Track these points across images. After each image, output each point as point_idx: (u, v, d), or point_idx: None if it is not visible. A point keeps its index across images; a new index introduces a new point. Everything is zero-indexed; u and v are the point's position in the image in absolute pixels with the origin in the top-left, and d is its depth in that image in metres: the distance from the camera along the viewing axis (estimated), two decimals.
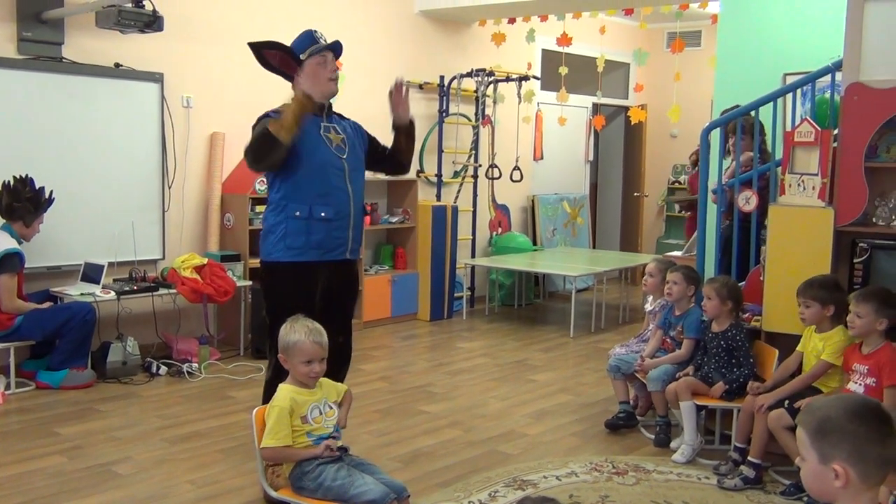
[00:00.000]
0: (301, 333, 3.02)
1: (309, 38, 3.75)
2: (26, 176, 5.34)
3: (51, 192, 5.41)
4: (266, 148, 3.53)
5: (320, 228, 3.70)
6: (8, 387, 5.18)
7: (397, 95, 4.03)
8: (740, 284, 4.64)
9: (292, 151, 3.62)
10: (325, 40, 3.78)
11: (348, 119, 4.00)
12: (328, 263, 3.76)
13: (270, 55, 3.71)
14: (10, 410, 4.90)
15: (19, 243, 5.22)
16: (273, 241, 3.72)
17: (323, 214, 3.69)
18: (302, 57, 3.70)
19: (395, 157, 4.14)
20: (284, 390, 3.02)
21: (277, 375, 3.56)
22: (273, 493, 3.07)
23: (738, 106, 4.91)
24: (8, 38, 5.46)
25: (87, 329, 5.33)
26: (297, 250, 3.69)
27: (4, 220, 5.26)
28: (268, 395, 3.63)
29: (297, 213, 3.67)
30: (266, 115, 3.69)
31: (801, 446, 1.77)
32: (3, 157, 5.42)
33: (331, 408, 3.08)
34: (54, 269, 5.72)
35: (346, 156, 3.78)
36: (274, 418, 2.95)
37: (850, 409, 1.73)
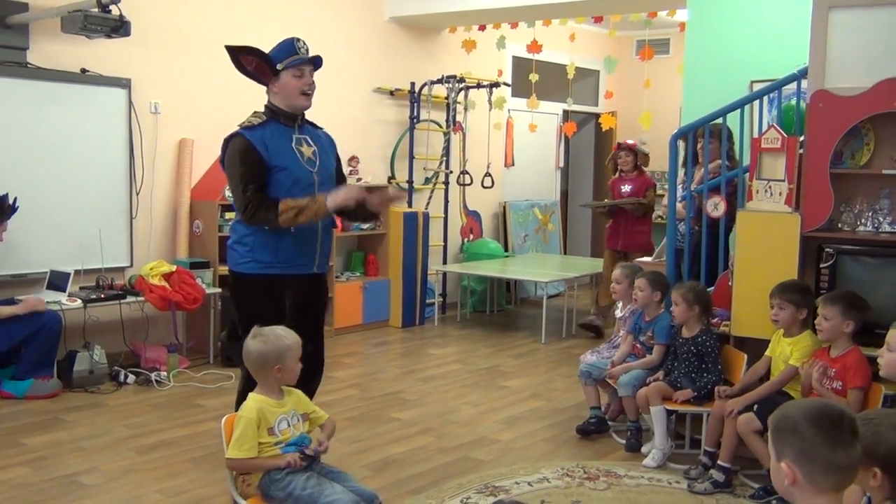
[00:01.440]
0: (290, 336, 3.04)
1: (289, 48, 3.69)
2: None
3: (14, 199, 5.33)
4: (268, 227, 3.61)
5: (287, 243, 3.67)
6: None
7: (388, 199, 4.09)
8: (709, 290, 4.69)
9: (266, 171, 3.61)
10: (306, 51, 3.74)
11: (321, 129, 3.95)
12: (297, 277, 3.73)
13: (247, 60, 3.66)
14: None
15: None
16: (242, 253, 3.69)
17: (292, 229, 3.64)
18: (279, 67, 3.65)
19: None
20: (252, 400, 2.99)
21: (248, 387, 3.52)
22: (242, 502, 3.04)
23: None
24: None
25: (52, 338, 5.25)
26: (265, 264, 3.66)
27: None
28: (240, 406, 3.60)
29: (266, 227, 3.63)
30: (235, 135, 3.64)
31: (769, 444, 1.81)
32: None
33: (299, 420, 3.05)
34: (19, 276, 5.63)
35: (316, 170, 3.75)
36: (241, 429, 2.92)
37: (807, 411, 1.76)
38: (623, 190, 7.21)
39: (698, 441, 4.34)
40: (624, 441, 4.59)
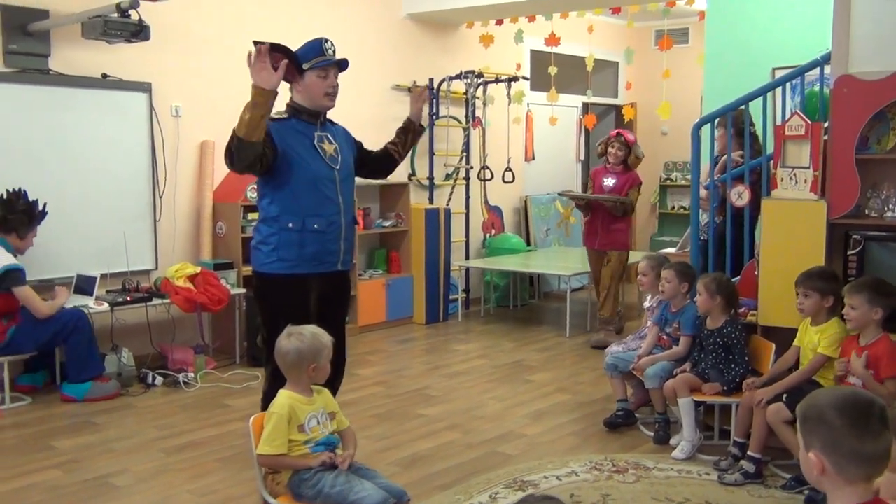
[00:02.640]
0: (324, 336, 3.04)
1: (317, 49, 3.68)
2: (20, 189, 5.32)
3: (44, 205, 5.39)
4: (239, 152, 3.41)
5: (313, 240, 3.66)
6: (2, 401, 5.15)
7: (419, 96, 4.11)
8: (734, 280, 4.65)
9: (285, 163, 3.58)
10: (333, 52, 3.73)
11: (338, 125, 3.96)
12: (321, 275, 3.73)
13: (274, 58, 3.58)
14: (6, 426, 4.87)
15: (14, 257, 5.19)
16: (266, 252, 3.67)
17: (316, 226, 3.64)
18: (305, 66, 3.64)
19: (389, 157, 4.12)
20: (283, 397, 3.00)
21: (274, 387, 3.53)
22: (272, 501, 3.05)
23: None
24: None
25: (85, 335, 5.30)
26: (291, 262, 3.64)
27: None
28: (267, 404, 3.60)
29: (291, 225, 3.62)
30: None
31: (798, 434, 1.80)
32: None
33: (328, 418, 3.06)
34: (46, 282, 5.67)
35: (339, 167, 3.75)
36: (272, 425, 2.93)
37: (835, 400, 1.74)
38: (605, 183, 6.88)
39: (727, 432, 4.30)
40: (652, 433, 4.57)
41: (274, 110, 3.72)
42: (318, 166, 3.67)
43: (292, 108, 3.75)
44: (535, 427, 4.80)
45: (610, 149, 6.86)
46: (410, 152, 7.87)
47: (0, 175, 5.38)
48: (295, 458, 2.96)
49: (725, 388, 4.22)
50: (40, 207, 5.38)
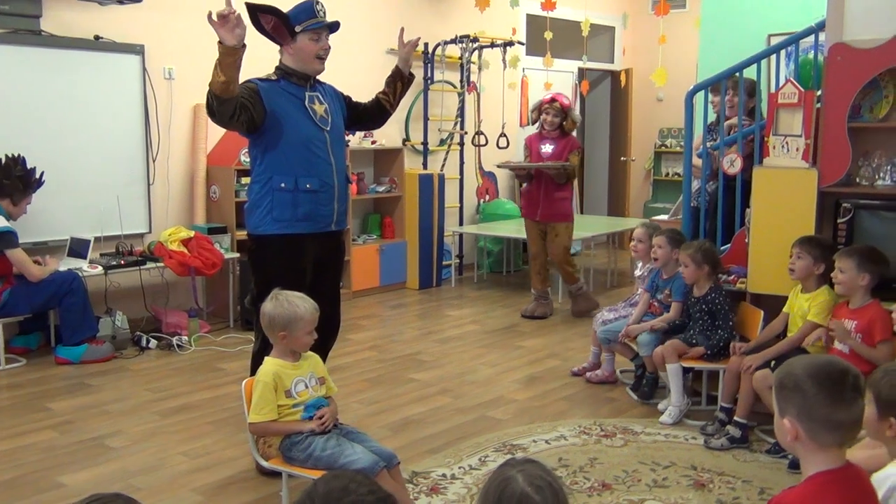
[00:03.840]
0: (304, 305, 3.03)
1: (308, 10, 3.64)
2: (19, 155, 5.31)
3: (41, 174, 5.38)
4: (216, 107, 3.39)
5: (306, 200, 3.65)
6: None
7: (411, 45, 4.08)
8: (725, 247, 4.68)
9: (275, 123, 3.56)
10: (324, 14, 3.70)
11: (326, 84, 3.91)
12: (316, 235, 3.72)
13: (265, 19, 3.59)
14: (1, 387, 4.90)
15: (7, 220, 5.19)
16: (260, 215, 3.66)
17: (308, 186, 3.64)
18: (297, 29, 3.61)
19: (380, 107, 4.07)
20: (269, 364, 3.03)
21: (266, 347, 3.56)
22: (264, 464, 3.10)
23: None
24: None
25: (79, 298, 5.33)
26: (285, 223, 3.64)
27: None
28: (256, 367, 3.62)
29: (283, 185, 3.61)
30: (248, 81, 3.61)
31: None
32: None
33: (317, 382, 3.09)
34: (40, 244, 5.69)
35: (329, 128, 3.74)
36: (258, 393, 2.96)
37: (810, 368, 1.77)
38: (543, 150, 6.54)
39: (715, 398, 4.36)
40: (638, 398, 4.65)
41: (263, 72, 3.72)
42: (308, 127, 3.66)
43: (282, 70, 3.72)
44: (526, 392, 4.85)
45: (545, 116, 6.51)
46: (404, 117, 7.91)
47: None
48: (285, 423, 3.00)
49: (709, 352, 4.28)
50: (37, 175, 5.37)
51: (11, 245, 5.12)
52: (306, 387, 3.06)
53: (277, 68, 3.74)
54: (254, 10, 3.59)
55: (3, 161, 5.25)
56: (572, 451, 3.94)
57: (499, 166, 7.67)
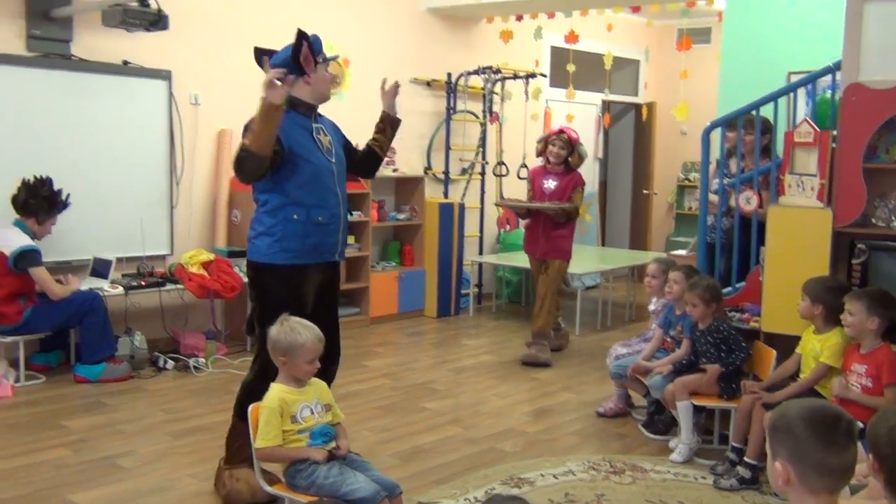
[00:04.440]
0: (306, 334, 3.05)
1: (319, 42, 3.69)
2: (46, 177, 5.42)
3: (67, 196, 5.49)
4: (249, 164, 3.44)
5: (316, 232, 3.65)
6: (17, 380, 5.26)
7: (391, 91, 4.05)
8: (739, 285, 4.67)
9: (289, 156, 3.57)
10: None
11: (325, 117, 3.89)
12: (319, 265, 3.74)
13: (304, 48, 3.59)
14: (19, 403, 4.98)
15: (31, 240, 5.29)
16: (269, 244, 3.64)
17: (320, 219, 3.63)
18: (319, 59, 3.66)
19: (374, 155, 4.06)
20: (275, 390, 3.06)
21: (262, 377, 3.58)
22: (268, 489, 3.13)
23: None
24: (17, 36, 5.53)
25: (99, 317, 5.42)
26: (294, 253, 3.63)
27: (18, 217, 5.34)
28: (246, 396, 3.60)
29: (295, 217, 3.60)
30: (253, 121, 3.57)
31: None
32: (13, 153, 5.51)
33: (323, 408, 3.12)
34: (64, 263, 5.79)
35: (335, 159, 3.75)
36: (265, 419, 2.99)
37: (803, 412, 1.77)
38: (545, 185, 6.33)
39: (727, 437, 4.33)
40: (653, 435, 4.63)
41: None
42: (319, 159, 3.66)
43: (290, 100, 3.63)
44: (536, 425, 4.84)
45: (551, 147, 6.28)
46: (426, 145, 7.98)
47: (21, 157, 5.51)
48: (291, 449, 3.02)
49: (724, 369, 4.26)
50: (63, 197, 5.48)
51: (35, 263, 5.22)
52: (312, 413, 3.09)
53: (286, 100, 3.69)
54: (303, 39, 3.58)
55: (31, 182, 5.37)
56: (579, 487, 3.93)
57: (496, 204, 7.59)
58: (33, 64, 5.58)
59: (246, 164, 3.44)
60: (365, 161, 4.08)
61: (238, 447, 3.65)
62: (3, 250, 5.14)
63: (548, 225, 6.28)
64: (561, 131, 6.36)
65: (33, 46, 5.58)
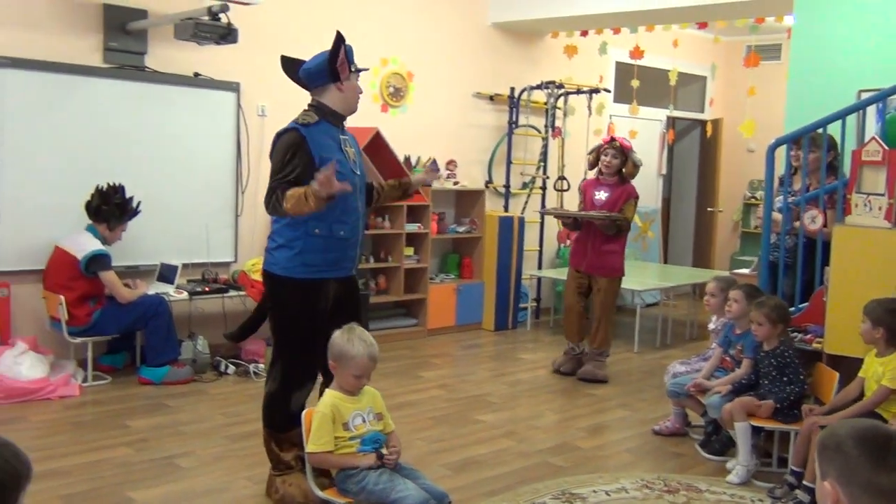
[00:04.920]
0: (360, 348, 3.08)
1: (351, 54, 3.66)
2: (119, 184, 5.61)
3: (138, 204, 5.67)
4: (280, 214, 3.51)
5: (336, 247, 3.62)
6: (85, 379, 5.44)
7: (432, 176, 4.13)
8: (803, 306, 4.57)
9: (318, 168, 3.42)
10: None
11: (347, 130, 3.84)
12: (336, 279, 3.69)
13: (340, 54, 3.60)
14: (86, 402, 5.15)
15: (102, 244, 5.48)
16: (288, 257, 3.58)
17: (342, 233, 3.61)
18: (352, 69, 3.65)
19: (369, 195, 3.95)
20: (329, 396, 3.11)
21: (284, 387, 3.64)
22: (319, 493, 3.17)
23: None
24: (95, 49, 5.74)
25: (165, 320, 5.57)
26: (314, 268, 3.59)
27: (91, 222, 5.53)
28: (269, 410, 3.71)
29: (317, 231, 3.55)
30: (291, 129, 3.54)
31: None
32: (88, 161, 5.71)
33: (375, 417, 3.15)
34: (132, 268, 5.97)
35: (359, 172, 3.71)
36: (316, 424, 3.04)
37: (855, 430, 1.72)
38: (597, 197, 6.04)
39: (786, 460, 4.23)
40: (710, 455, 4.56)
41: (302, 112, 3.65)
42: (346, 172, 3.59)
43: (321, 109, 3.64)
44: (591, 441, 4.81)
45: (603, 157, 6.00)
46: (488, 159, 8.01)
47: (95, 164, 5.71)
48: (342, 456, 3.07)
49: (779, 405, 4.16)
50: (134, 205, 5.66)
51: (105, 267, 5.39)
52: (364, 421, 3.13)
53: (315, 108, 3.64)
54: (341, 42, 3.58)
55: (104, 189, 5.56)
56: None
57: (541, 212, 7.41)
58: (109, 75, 5.78)
59: (277, 213, 3.49)
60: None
61: (277, 455, 3.71)
62: (75, 254, 5.33)
63: (598, 238, 6.01)
64: (613, 139, 6.10)
65: (109, 58, 5.78)
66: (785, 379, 4.21)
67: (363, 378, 3.10)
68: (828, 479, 1.71)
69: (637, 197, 6.11)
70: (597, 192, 6.06)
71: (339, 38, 3.58)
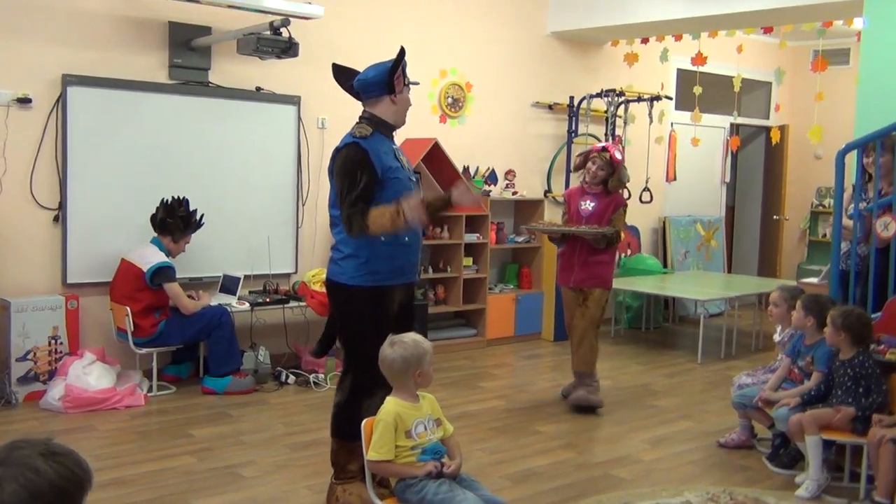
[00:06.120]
0: (424, 342, 3.12)
1: (406, 66, 3.69)
2: (183, 197, 5.73)
3: (201, 216, 5.78)
4: (363, 234, 3.52)
5: (401, 253, 3.64)
6: (150, 389, 5.54)
7: (467, 192, 3.87)
8: (876, 315, 4.41)
9: (380, 178, 3.52)
10: None
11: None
12: (401, 285, 3.71)
13: (399, 70, 3.63)
14: (151, 412, 5.25)
15: (167, 257, 5.59)
16: (355, 266, 3.59)
17: (406, 239, 3.63)
18: (406, 82, 3.68)
19: None
20: (391, 404, 3.10)
21: (354, 396, 3.64)
22: (379, 502, 3.16)
23: None
24: (161, 65, 5.88)
25: (227, 331, 5.65)
26: (382, 275, 3.60)
27: (155, 235, 5.65)
28: (338, 420, 3.71)
29: (383, 239, 3.56)
30: (351, 143, 3.55)
31: None
32: (154, 175, 5.84)
33: (435, 424, 3.14)
34: (196, 280, 6.08)
35: (414, 178, 3.74)
36: (379, 432, 3.03)
37: None
38: (583, 206, 5.53)
39: (857, 474, 4.09)
40: (779, 469, 4.44)
41: (356, 124, 3.67)
42: (406, 180, 3.64)
43: (374, 122, 3.65)
44: (653, 453, 4.71)
45: (590, 164, 5.51)
46: (546, 168, 7.96)
47: (160, 178, 5.83)
48: (402, 465, 3.05)
49: (859, 413, 4.01)
50: (197, 217, 5.77)
51: (169, 279, 5.50)
52: (425, 428, 3.11)
53: (368, 119, 3.65)
54: (403, 56, 3.62)
55: (169, 202, 5.67)
56: None
57: (526, 228, 6.87)
58: (174, 91, 5.91)
59: (361, 234, 3.51)
60: None
61: (343, 465, 3.71)
62: (140, 266, 5.45)
63: (584, 250, 5.47)
64: (604, 148, 5.56)
65: (174, 75, 5.92)
66: (861, 390, 4.06)
67: (422, 374, 3.09)
68: None
69: (626, 205, 5.65)
70: (583, 203, 5.55)
71: (402, 53, 3.63)
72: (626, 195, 7.98)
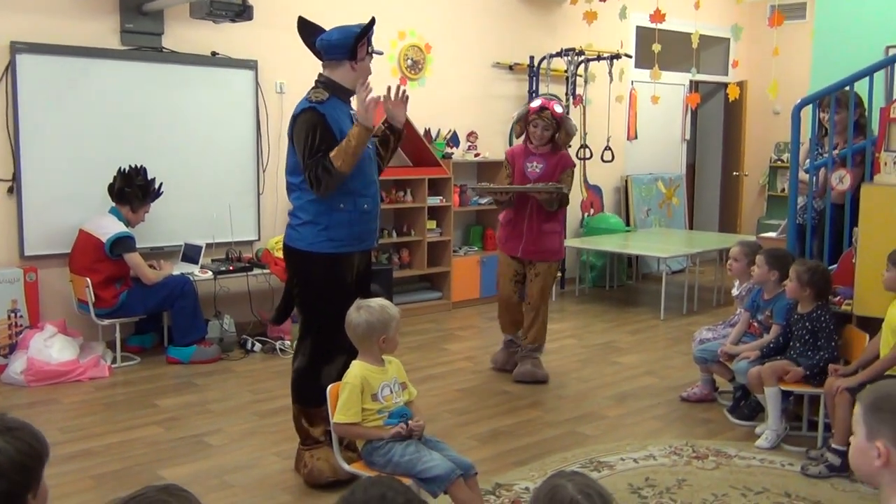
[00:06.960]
0: (391, 307, 3.13)
1: (372, 35, 3.67)
2: (141, 166, 5.64)
3: (160, 185, 5.70)
4: (332, 182, 3.47)
5: (360, 220, 3.64)
6: (114, 360, 5.50)
7: (399, 100, 3.82)
8: (832, 268, 4.50)
9: (337, 142, 3.50)
10: None
11: None
12: (359, 252, 3.73)
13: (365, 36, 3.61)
14: (116, 383, 5.21)
15: (126, 227, 5.51)
16: (314, 232, 3.58)
17: (365, 207, 3.64)
18: (369, 50, 3.66)
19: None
20: (357, 367, 3.10)
21: (312, 362, 3.65)
22: (346, 467, 3.18)
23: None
24: (112, 31, 5.74)
25: (190, 300, 5.61)
26: (340, 242, 3.60)
27: (114, 205, 5.56)
28: (298, 386, 3.73)
29: (342, 206, 3.57)
30: (308, 108, 3.53)
31: (855, 421, 1.77)
32: (109, 144, 5.73)
33: (400, 388, 3.16)
34: (157, 249, 6.01)
35: (371, 145, 3.72)
36: (346, 395, 3.04)
37: None
38: (529, 168, 5.20)
39: (816, 423, 4.20)
40: (738, 420, 4.53)
41: (312, 88, 3.63)
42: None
43: (330, 86, 3.63)
44: (618, 409, 4.79)
45: (532, 128, 5.17)
46: (510, 126, 7.95)
47: (116, 147, 5.73)
48: (368, 428, 3.07)
49: (808, 372, 4.12)
50: (156, 186, 5.69)
51: (129, 249, 5.43)
52: (391, 391, 3.13)
53: (324, 84, 3.63)
54: (373, 25, 3.62)
55: (126, 171, 5.58)
56: (661, 472, 3.87)
57: (474, 189, 6.59)
58: (127, 57, 5.79)
59: (329, 183, 3.47)
60: None
61: (307, 431, 3.73)
62: (99, 237, 5.37)
63: (534, 218, 5.19)
64: (542, 107, 5.17)
65: (127, 40, 5.79)
66: (819, 344, 4.15)
67: (387, 340, 3.09)
68: (880, 440, 1.68)
69: (574, 166, 5.39)
70: (528, 164, 5.22)
71: (372, 22, 3.61)
72: (587, 154, 8.10)
